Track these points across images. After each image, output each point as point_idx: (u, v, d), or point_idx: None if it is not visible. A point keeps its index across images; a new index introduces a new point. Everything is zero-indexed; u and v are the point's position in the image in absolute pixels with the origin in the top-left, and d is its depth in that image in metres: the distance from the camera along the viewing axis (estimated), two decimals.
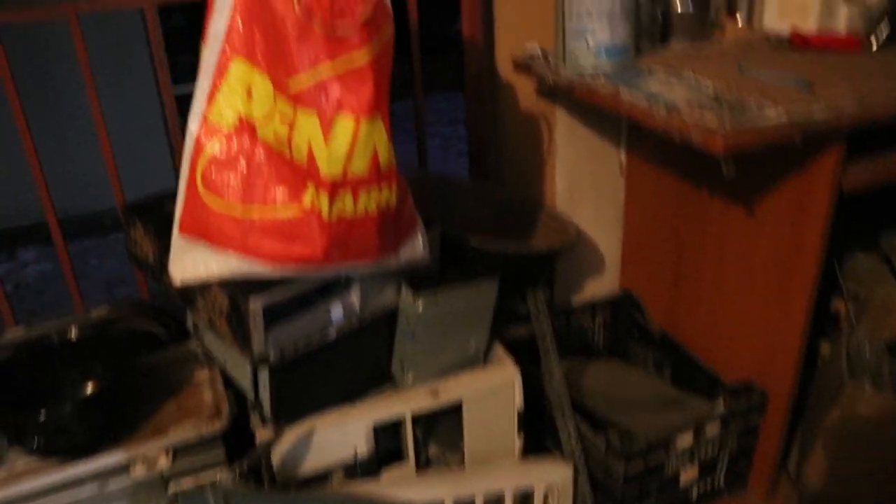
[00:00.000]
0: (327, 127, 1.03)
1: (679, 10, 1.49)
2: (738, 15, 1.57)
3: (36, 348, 1.39)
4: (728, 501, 1.55)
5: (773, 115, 1.11)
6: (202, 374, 1.46)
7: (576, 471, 1.42)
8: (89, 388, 1.38)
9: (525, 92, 1.64)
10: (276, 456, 1.28)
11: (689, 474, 1.48)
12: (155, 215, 1.37)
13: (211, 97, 1.10)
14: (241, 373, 1.33)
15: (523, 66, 1.50)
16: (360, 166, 1.06)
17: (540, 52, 1.51)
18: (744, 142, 1.07)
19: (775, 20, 1.55)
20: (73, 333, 1.39)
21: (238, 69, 1.08)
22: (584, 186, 1.70)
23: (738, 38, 1.58)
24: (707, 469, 1.50)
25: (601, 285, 1.83)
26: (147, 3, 1.48)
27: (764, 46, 1.52)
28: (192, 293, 1.27)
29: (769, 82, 1.27)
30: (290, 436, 1.29)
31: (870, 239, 1.62)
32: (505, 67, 1.67)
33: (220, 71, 1.09)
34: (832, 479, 1.51)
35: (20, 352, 1.39)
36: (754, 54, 1.46)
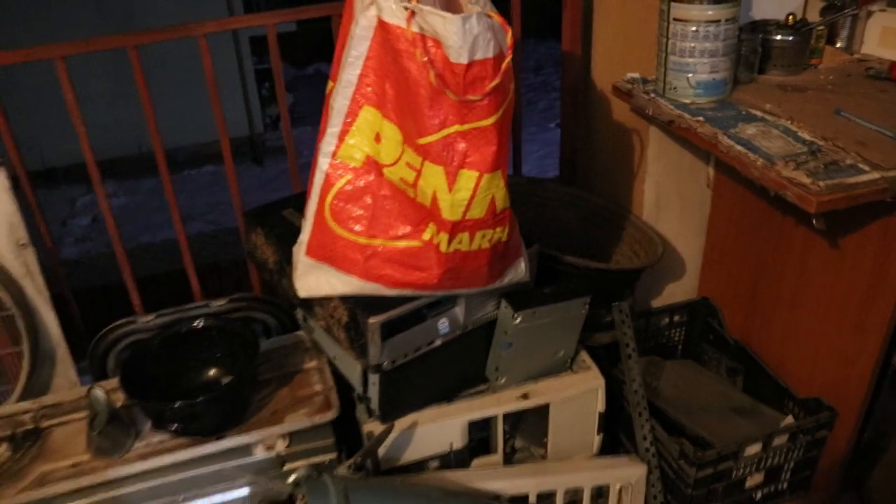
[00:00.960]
0: (452, 179, 1.18)
1: (779, 40, 1.57)
2: (837, 43, 1.65)
3: (167, 335, 1.62)
4: (791, 502, 1.73)
5: (867, 175, 1.21)
6: (311, 363, 1.67)
7: (649, 471, 1.60)
8: (218, 379, 1.62)
9: (620, 106, 1.74)
10: (381, 446, 1.50)
11: (754, 479, 1.64)
12: (274, 223, 1.56)
13: (341, 138, 1.26)
14: (351, 370, 1.53)
15: (623, 93, 1.60)
16: (478, 212, 1.21)
17: (640, 80, 1.61)
18: (835, 202, 1.18)
19: (875, 47, 1.63)
20: (201, 323, 1.61)
21: (368, 115, 1.23)
22: (671, 197, 1.81)
23: (837, 66, 1.64)
24: (772, 475, 1.65)
25: (680, 291, 1.95)
26: None
27: (862, 79, 1.57)
28: (312, 302, 1.46)
29: (865, 132, 1.36)
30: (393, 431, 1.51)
31: None
32: (601, 80, 1.78)
33: (351, 115, 1.24)
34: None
35: (154, 338, 1.63)
36: (851, 89, 1.52)
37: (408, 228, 1.24)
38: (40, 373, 1.71)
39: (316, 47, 6.33)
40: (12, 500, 1.43)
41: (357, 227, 1.27)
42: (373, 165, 1.25)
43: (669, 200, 1.81)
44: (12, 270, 1.61)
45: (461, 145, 1.16)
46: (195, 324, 1.59)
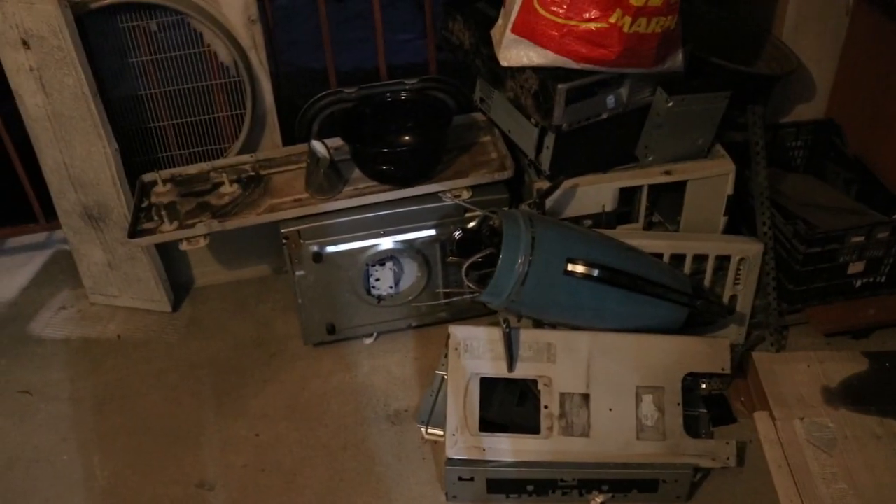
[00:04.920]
0: None
1: None
2: None
3: (376, 103, 2.39)
4: (886, 297, 2.43)
5: None
6: (486, 138, 2.43)
7: (765, 249, 2.33)
8: (418, 137, 2.37)
9: None
10: (548, 201, 2.25)
11: (856, 266, 2.34)
12: (471, 12, 2.29)
13: None
14: (525, 138, 2.27)
15: None
16: (657, 1, 1.92)
17: None
18: None
19: None
20: (403, 94, 2.38)
21: None
22: (811, 21, 2.46)
23: None
24: (872, 266, 2.35)
25: (808, 110, 2.62)
26: None
27: None
28: (503, 76, 2.19)
29: None
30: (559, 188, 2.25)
31: None
32: None
33: None
34: None
35: (362, 103, 2.41)
36: None
37: (598, 12, 1.95)
38: (254, 134, 2.50)
39: None
40: (255, 219, 2.25)
41: (558, 10, 1.97)
42: None
43: (809, 24, 2.48)
44: (242, 42, 2.37)
45: None
46: (400, 95, 2.36)
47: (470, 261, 2.04)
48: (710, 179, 2.30)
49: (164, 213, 2.25)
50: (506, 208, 2.20)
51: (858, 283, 2.39)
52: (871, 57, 2.44)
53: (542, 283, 1.99)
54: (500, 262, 1.96)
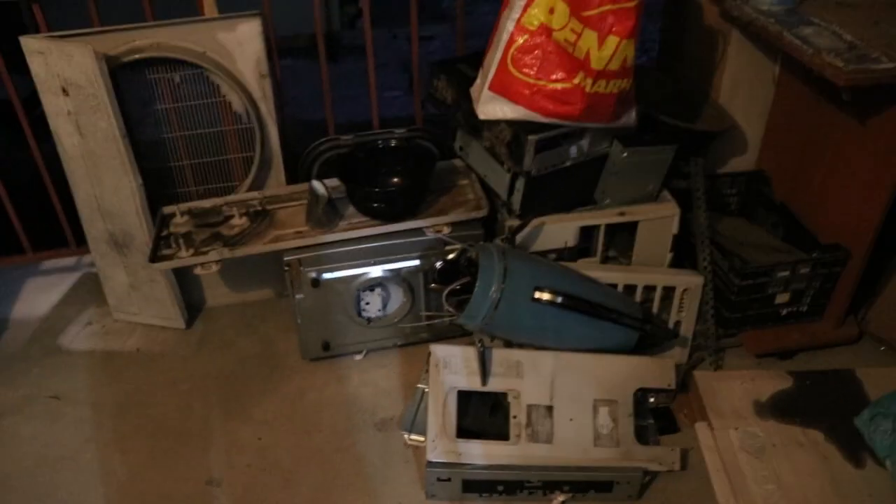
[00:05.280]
0: (602, 41, 1.87)
1: None
2: None
3: (369, 148, 2.36)
4: (807, 323, 2.43)
5: (886, 65, 1.87)
6: (464, 181, 2.41)
7: (705, 281, 2.32)
8: (405, 179, 2.34)
9: (710, 13, 2.41)
10: (518, 237, 2.23)
11: (782, 297, 2.34)
12: (453, 72, 2.29)
13: (524, 9, 1.94)
14: (498, 182, 2.25)
15: (717, 0, 2.29)
16: (615, 66, 1.91)
17: None
18: (858, 80, 1.85)
19: None
20: (393, 142, 2.36)
21: None
22: (743, 87, 2.47)
23: None
24: (796, 297, 2.34)
25: (741, 162, 2.63)
26: None
27: None
28: (481, 127, 2.18)
29: (895, 37, 2.02)
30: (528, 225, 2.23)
31: None
32: None
33: None
34: (887, 323, 2.38)
35: (357, 149, 2.38)
36: (894, 10, 2.18)
37: (564, 74, 1.95)
38: (262, 173, 2.46)
39: None
40: (261, 248, 2.21)
41: (529, 71, 1.97)
42: (545, 30, 1.94)
43: (741, 89, 2.49)
44: (254, 93, 2.35)
45: (611, 19, 1.87)
46: (390, 142, 2.34)
47: (449, 288, 2.03)
48: (659, 220, 2.29)
49: (181, 241, 2.21)
50: (482, 242, 2.18)
51: (784, 312, 2.38)
52: (793, 117, 2.45)
53: (513, 308, 1.97)
54: (476, 289, 1.94)
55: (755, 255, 2.39)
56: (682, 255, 2.42)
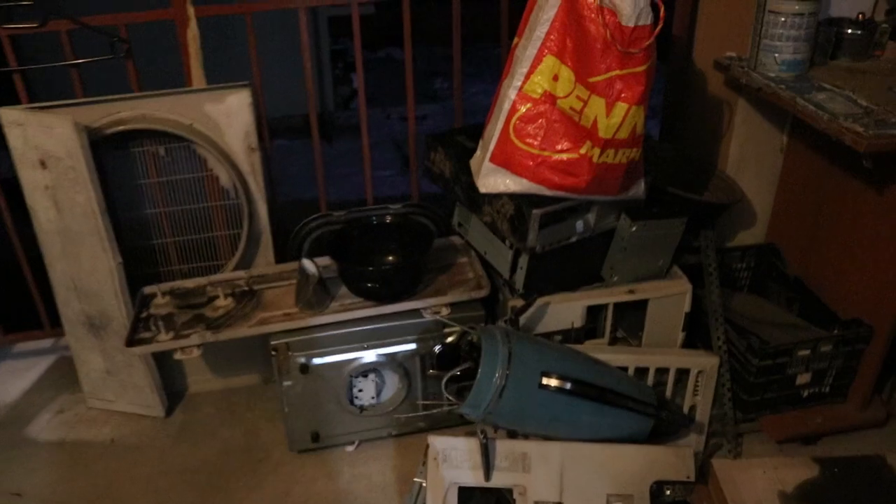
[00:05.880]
0: (609, 108, 1.79)
1: (849, 33, 2.16)
2: None
3: (363, 225, 2.25)
4: (830, 405, 2.30)
5: None
6: (463, 259, 2.30)
7: (721, 362, 2.19)
8: (401, 258, 2.23)
9: (714, 82, 2.36)
10: (522, 318, 2.10)
11: (803, 378, 2.21)
12: (452, 144, 2.20)
13: (527, 77, 1.87)
14: (500, 259, 2.15)
15: (722, 67, 2.21)
16: (624, 134, 1.82)
17: (735, 57, 2.22)
18: (880, 145, 1.77)
19: None
20: (388, 218, 2.25)
21: (549, 62, 1.85)
22: (750, 158, 2.40)
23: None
24: (817, 377, 2.22)
25: (750, 236, 2.54)
26: None
27: None
28: (481, 202, 2.08)
29: None
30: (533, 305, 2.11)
31: None
32: (701, 61, 2.39)
33: (537, 62, 1.86)
34: None
35: (349, 226, 2.27)
36: None
37: (569, 144, 1.86)
38: (249, 252, 2.35)
39: (387, 33, 6.93)
40: (247, 331, 2.08)
41: (532, 142, 1.88)
42: (549, 97, 1.86)
43: (749, 160, 2.41)
44: (242, 167, 2.25)
45: (619, 84, 1.78)
46: (385, 218, 2.23)
47: (449, 374, 1.89)
48: (670, 298, 2.17)
49: (161, 323, 2.08)
50: (483, 325, 2.05)
51: (806, 393, 2.25)
52: (805, 187, 2.37)
53: (519, 395, 1.82)
54: (478, 375, 1.80)
55: (772, 334, 2.27)
56: (694, 334, 2.29)
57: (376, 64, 7.10)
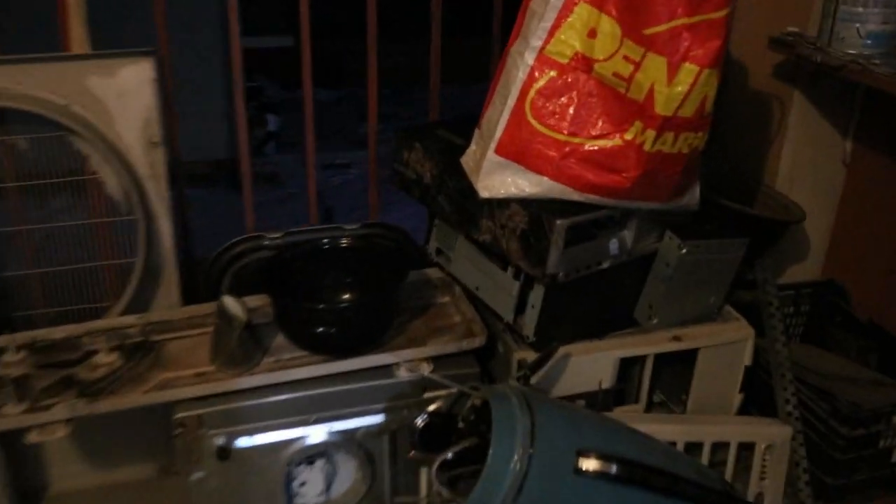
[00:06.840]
0: (673, 71, 1.30)
1: None
2: None
3: (305, 250, 1.68)
4: None
5: None
6: (445, 298, 1.74)
7: (795, 432, 1.68)
8: (363, 294, 1.66)
9: (761, 67, 1.91)
10: (535, 376, 1.55)
11: None
12: (432, 140, 1.66)
13: (552, 33, 1.37)
14: (499, 296, 1.60)
15: (784, 45, 1.76)
16: (689, 110, 1.32)
17: (799, 33, 1.77)
18: None
19: None
20: (344, 241, 1.67)
21: (583, 12, 1.35)
22: (805, 171, 1.95)
23: None
24: None
25: (801, 271, 2.08)
26: None
27: None
28: (477, 214, 1.54)
29: None
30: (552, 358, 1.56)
31: None
32: (743, 42, 1.92)
33: (565, 11, 1.36)
34: None
35: (287, 251, 1.69)
36: None
37: (610, 126, 1.35)
38: (145, 288, 1.75)
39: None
40: (139, 398, 1.47)
41: (558, 124, 1.37)
42: (581, 62, 1.35)
43: (804, 172, 1.96)
44: (139, 169, 1.67)
45: (687, 37, 1.29)
46: (340, 242, 1.65)
47: (441, 457, 1.30)
48: (726, 347, 1.66)
49: (10, 389, 1.45)
50: (491, 385, 1.49)
51: None
52: (874, 208, 1.92)
53: (546, 486, 1.25)
54: (489, 457, 1.22)
55: (854, 392, 1.76)
56: (748, 396, 1.78)
57: (295, 105, 6.51)
